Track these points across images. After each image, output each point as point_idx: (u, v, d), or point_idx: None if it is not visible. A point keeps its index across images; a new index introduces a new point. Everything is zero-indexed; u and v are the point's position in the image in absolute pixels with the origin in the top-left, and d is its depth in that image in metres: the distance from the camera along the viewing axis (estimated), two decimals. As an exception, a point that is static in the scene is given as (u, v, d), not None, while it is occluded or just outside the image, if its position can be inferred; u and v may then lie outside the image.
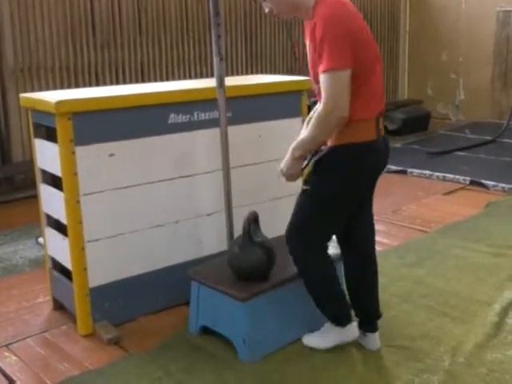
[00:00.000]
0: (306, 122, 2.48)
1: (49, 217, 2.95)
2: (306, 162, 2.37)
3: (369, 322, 2.59)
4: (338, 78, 2.14)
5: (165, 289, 2.96)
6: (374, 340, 2.59)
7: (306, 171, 2.39)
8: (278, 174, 2.39)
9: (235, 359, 2.51)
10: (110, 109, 2.71)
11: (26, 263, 3.70)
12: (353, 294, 2.60)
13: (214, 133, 2.94)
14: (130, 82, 5.70)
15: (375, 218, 4.34)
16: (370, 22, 8.10)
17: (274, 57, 7.04)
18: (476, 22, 7.85)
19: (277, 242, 2.61)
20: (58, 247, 2.90)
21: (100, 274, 2.79)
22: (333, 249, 2.56)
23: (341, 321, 2.52)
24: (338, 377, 2.40)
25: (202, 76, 6.18)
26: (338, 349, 2.58)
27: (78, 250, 2.72)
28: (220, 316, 2.60)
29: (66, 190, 2.67)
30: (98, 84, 5.49)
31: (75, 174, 2.65)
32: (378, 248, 3.75)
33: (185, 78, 6.11)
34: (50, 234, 2.96)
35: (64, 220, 2.74)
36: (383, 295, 3.05)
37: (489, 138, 6.68)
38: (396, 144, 6.83)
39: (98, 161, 2.70)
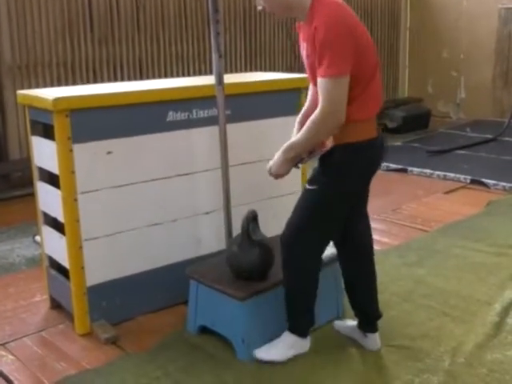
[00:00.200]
0: (296, 123, 2.49)
1: (46, 215, 2.95)
2: (300, 164, 2.38)
3: (368, 323, 2.59)
4: (338, 85, 2.15)
5: (163, 288, 2.96)
6: (375, 340, 2.59)
7: (300, 167, 2.36)
8: (267, 172, 2.40)
9: (234, 359, 2.51)
10: (107, 106, 2.71)
11: (22, 262, 3.70)
12: (352, 294, 2.60)
13: (212, 130, 2.94)
14: (128, 78, 5.69)
15: (375, 216, 4.37)
16: (370, 20, 8.11)
17: (273, 54, 7.03)
18: (477, 19, 7.85)
19: (276, 241, 2.60)
20: (55, 245, 2.90)
21: (97, 273, 2.79)
22: (329, 249, 2.56)
23: (305, 331, 2.51)
24: (338, 377, 2.40)
25: (200, 73, 6.17)
26: (338, 349, 2.59)
27: (76, 249, 2.72)
28: (219, 315, 2.60)
29: (64, 188, 2.67)
30: (95, 81, 5.48)
31: (73, 171, 2.64)
32: (378, 247, 3.77)
33: (183, 75, 6.11)
34: (47, 232, 2.96)
35: (61, 218, 2.74)
36: (383, 295, 3.06)
37: (490, 136, 6.69)
38: (396, 142, 6.84)
39: (95, 158, 2.70)
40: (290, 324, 2.50)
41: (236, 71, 6.54)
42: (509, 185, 4.98)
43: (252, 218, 2.56)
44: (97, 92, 2.82)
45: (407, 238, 3.91)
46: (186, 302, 2.78)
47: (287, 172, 2.36)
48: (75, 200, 2.67)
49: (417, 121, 7.59)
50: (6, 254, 3.82)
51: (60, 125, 2.60)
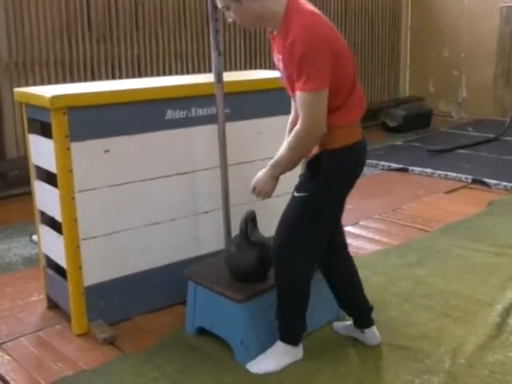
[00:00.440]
0: (286, 132, 2.51)
1: (43, 214, 2.95)
2: None
3: (362, 318, 2.60)
4: (318, 99, 2.17)
5: (161, 288, 2.96)
6: (374, 334, 2.60)
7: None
8: (251, 191, 2.41)
9: (232, 361, 2.51)
10: (105, 104, 2.71)
11: (19, 261, 3.70)
12: (338, 295, 2.62)
13: (211, 129, 2.94)
14: (127, 76, 5.68)
15: (376, 216, 4.38)
16: (371, 18, 8.11)
17: (273, 52, 7.03)
18: (479, 17, 7.85)
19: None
20: (52, 245, 2.90)
21: (95, 273, 2.79)
22: None
23: (298, 339, 2.50)
24: (337, 378, 2.40)
25: (199, 71, 6.17)
26: (337, 350, 2.59)
27: (73, 248, 2.72)
28: (217, 317, 2.60)
29: (61, 187, 2.67)
30: (93, 79, 5.48)
31: (70, 170, 2.64)
32: (378, 247, 3.78)
33: (182, 73, 6.11)
34: (45, 231, 2.96)
35: (59, 217, 2.74)
36: (383, 295, 3.07)
37: (491, 135, 6.69)
38: (397, 141, 6.84)
39: (93, 157, 2.70)
40: (282, 333, 2.49)
41: (235, 69, 6.53)
42: (510, 184, 4.98)
43: (251, 219, 2.55)
44: (95, 90, 2.82)
45: (407, 238, 3.91)
46: (184, 302, 2.78)
47: (274, 189, 2.38)
48: (73, 199, 2.67)
49: (418, 120, 7.59)
50: (2, 253, 3.82)
51: (57, 123, 2.60)
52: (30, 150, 2.94)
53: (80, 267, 2.74)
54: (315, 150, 2.31)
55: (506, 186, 4.98)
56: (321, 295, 2.74)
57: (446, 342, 2.63)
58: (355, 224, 4.23)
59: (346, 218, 4.26)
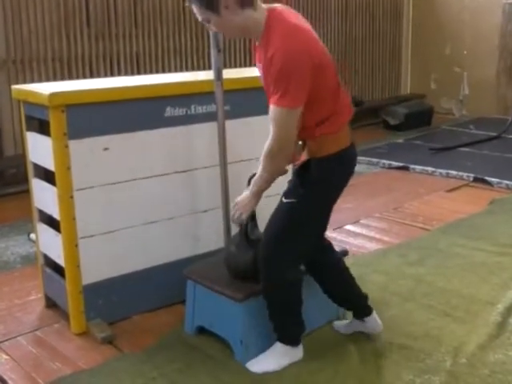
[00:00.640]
0: None
1: (41, 212, 2.95)
2: None
3: (361, 307, 2.62)
4: (290, 116, 2.17)
5: (160, 287, 2.97)
6: (375, 321, 2.61)
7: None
8: (231, 217, 2.44)
9: (232, 360, 2.51)
10: (104, 101, 2.71)
11: (17, 260, 3.70)
12: (336, 293, 2.62)
13: (211, 127, 2.94)
14: (126, 74, 5.68)
15: (376, 215, 4.38)
16: (371, 14, 8.10)
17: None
18: (481, 14, 7.85)
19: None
20: (50, 243, 2.90)
21: (94, 271, 2.79)
22: None
23: (296, 340, 2.50)
24: (337, 377, 2.40)
25: (199, 68, 6.17)
26: (337, 349, 2.59)
27: (71, 247, 2.72)
28: (216, 316, 2.61)
29: (59, 185, 2.67)
30: (92, 76, 5.48)
31: (68, 168, 2.65)
32: (378, 246, 3.78)
33: (181, 70, 6.10)
34: (43, 229, 2.96)
35: (57, 215, 2.74)
36: (384, 294, 3.07)
37: (493, 133, 6.69)
38: (398, 139, 6.84)
39: (92, 155, 2.70)
40: (278, 335, 2.49)
41: (235, 66, 6.53)
42: (512, 183, 4.99)
43: (250, 218, 2.55)
44: (93, 87, 2.83)
45: (408, 237, 3.92)
46: (183, 302, 2.78)
47: (252, 207, 2.40)
48: (71, 197, 2.67)
49: (419, 118, 7.59)
50: (0, 251, 3.82)
51: (56, 120, 2.60)
52: (27, 147, 2.94)
53: (78, 266, 2.74)
54: (304, 157, 2.33)
55: (508, 185, 4.98)
56: (320, 295, 2.74)
57: (446, 342, 2.63)
58: (356, 222, 4.23)
59: (346, 216, 4.32)
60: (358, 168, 6.11)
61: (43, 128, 2.75)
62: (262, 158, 2.28)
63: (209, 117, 2.98)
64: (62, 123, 2.60)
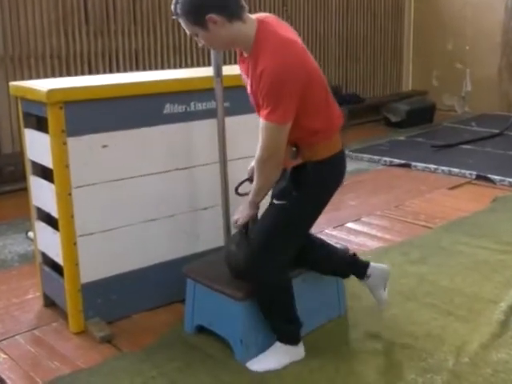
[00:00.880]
0: None
1: (39, 210, 2.95)
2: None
3: (356, 268, 2.70)
4: (280, 131, 2.23)
5: (160, 285, 2.96)
6: (376, 269, 2.70)
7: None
8: (233, 222, 2.52)
9: (232, 359, 2.51)
10: (103, 98, 2.70)
11: (15, 258, 3.70)
12: (326, 268, 2.69)
13: (211, 124, 2.94)
14: (124, 70, 5.67)
15: (378, 213, 4.37)
16: (373, 10, 8.10)
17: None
18: (483, 10, 7.84)
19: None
20: (48, 242, 2.90)
21: (92, 270, 2.79)
22: None
23: (295, 338, 2.50)
24: (338, 376, 2.40)
25: (198, 65, 6.16)
26: (338, 347, 2.59)
27: (70, 245, 2.72)
28: (216, 315, 2.60)
29: (58, 183, 2.67)
30: (90, 73, 5.47)
31: (67, 165, 2.64)
32: (380, 244, 3.78)
33: (181, 66, 6.10)
34: (41, 227, 2.96)
35: (55, 213, 2.74)
36: (385, 293, 3.07)
37: (496, 130, 6.68)
38: (399, 137, 6.84)
39: (90, 152, 2.70)
40: (277, 335, 2.50)
41: (235, 63, 6.51)
42: (515, 180, 4.98)
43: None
44: (92, 84, 2.82)
45: (410, 235, 3.91)
46: (183, 301, 2.78)
47: (249, 216, 2.45)
48: (69, 195, 2.67)
49: (421, 114, 7.58)
50: (-2, 250, 3.83)
51: (54, 117, 2.60)
52: (25, 145, 2.93)
53: (77, 264, 2.74)
54: (297, 161, 2.37)
55: (510, 182, 4.97)
56: (321, 294, 2.74)
57: (449, 341, 2.63)
58: (357, 220, 4.22)
59: (347, 214, 4.32)
60: (359, 165, 6.15)
61: (41, 125, 2.75)
62: (255, 170, 2.36)
63: (208, 114, 2.97)
64: (60, 120, 2.60)
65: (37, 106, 2.69)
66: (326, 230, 3.91)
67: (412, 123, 7.35)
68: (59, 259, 2.79)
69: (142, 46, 5.85)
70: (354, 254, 2.73)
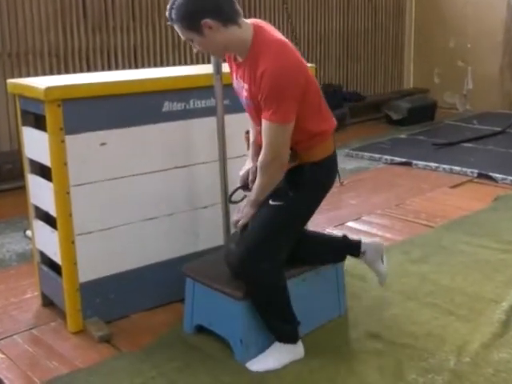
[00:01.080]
0: (251, 153, 2.62)
1: (37, 209, 2.94)
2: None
3: (350, 248, 2.74)
4: (283, 131, 2.27)
5: (159, 285, 2.96)
6: (368, 244, 2.76)
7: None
8: (233, 223, 2.54)
9: (232, 360, 2.51)
10: (101, 96, 2.70)
11: (13, 257, 3.70)
12: (325, 255, 2.73)
13: (210, 121, 2.93)
14: (123, 67, 5.67)
15: (378, 211, 4.37)
16: (374, 7, 8.09)
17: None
18: (485, 8, 7.83)
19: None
20: (46, 240, 2.90)
21: (91, 269, 2.79)
22: None
23: (293, 337, 2.51)
24: (338, 376, 2.40)
25: (198, 62, 6.15)
26: (338, 347, 2.59)
27: (68, 244, 2.72)
28: (216, 315, 2.60)
29: (56, 181, 2.67)
30: (89, 70, 5.47)
31: (65, 163, 2.64)
32: (381, 243, 3.78)
33: (180, 63, 6.09)
34: (39, 226, 2.96)
35: (53, 212, 2.74)
36: (386, 292, 3.07)
37: (498, 128, 6.68)
38: (400, 135, 6.84)
39: (88, 150, 2.70)
40: (276, 335, 2.51)
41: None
42: (517, 179, 4.98)
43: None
44: (90, 81, 2.81)
45: (411, 234, 3.92)
46: (182, 300, 2.78)
47: (249, 216, 2.47)
48: (68, 193, 2.67)
49: (422, 112, 7.58)
50: (-5, 249, 3.83)
51: (52, 115, 2.59)
52: (23, 143, 2.93)
53: (75, 263, 2.74)
54: (294, 163, 2.40)
55: (512, 181, 4.98)
56: (321, 294, 2.74)
57: (450, 341, 2.63)
58: (357, 219, 4.22)
59: (348, 213, 4.32)
60: (360, 164, 6.15)
61: (39, 123, 2.74)
62: (257, 170, 2.37)
63: (208, 111, 2.97)
64: (58, 118, 2.60)
65: (35, 103, 2.69)
66: (327, 229, 3.91)
67: (413, 121, 7.35)
68: (57, 258, 2.79)
69: (140, 42, 5.84)
70: (345, 236, 2.76)
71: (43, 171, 2.81)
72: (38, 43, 5.20)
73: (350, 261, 2.85)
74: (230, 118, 2.91)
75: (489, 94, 7.90)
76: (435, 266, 3.40)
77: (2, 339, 2.75)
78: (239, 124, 3.07)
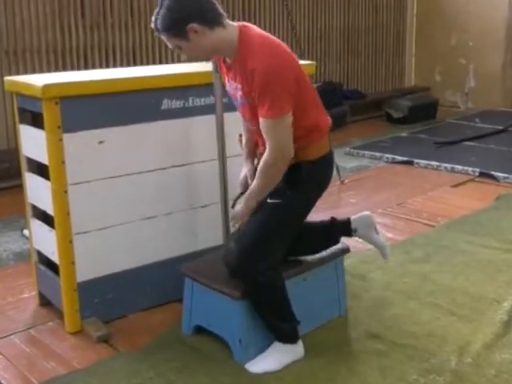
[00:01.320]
0: (244, 151, 2.66)
1: (34, 208, 2.94)
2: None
3: (342, 230, 2.75)
4: (282, 124, 2.28)
5: (157, 284, 2.96)
6: (358, 220, 2.75)
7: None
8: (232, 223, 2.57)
9: (231, 360, 2.51)
10: (99, 93, 2.70)
11: (10, 256, 3.70)
12: (319, 243, 2.73)
13: (209, 120, 2.93)
14: (121, 65, 5.67)
15: (379, 210, 4.37)
16: (375, 4, 8.08)
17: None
18: (487, 6, 7.83)
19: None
20: (44, 240, 2.90)
21: (89, 268, 2.78)
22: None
23: (293, 337, 2.51)
24: (339, 377, 2.40)
25: (197, 60, 6.15)
26: (338, 348, 2.59)
27: (66, 243, 2.71)
28: (215, 315, 2.60)
29: (53, 180, 2.67)
30: (86, 67, 5.46)
31: (63, 162, 2.64)
32: (381, 242, 3.77)
33: (179, 61, 6.07)
34: (36, 225, 2.96)
35: (51, 211, 2.74)
36: (387, 292, 3.07)
37: (500, 127, 6.68)
38: (402, 133, 6.84)
39: (86, 148, 2.69)
40: (275, 335, 2.51)
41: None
42: (519, 178, 4.98)
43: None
44: (88, 79, 2.81)
45: (413, 234, 3.92)
46: (180, 300, 2.78)
47: (248, 215, 2.48)
48: (65, 192, 2.67)
49: (424, 111, 7.58)
50: (-8, 248, 3.83)
51: (49, 113, 2.59)
52: (20, 141, 2.93)
53: (73, 263, 2.74)
54: (291, 161, 2.40)
55: (514, 180, 4.98)
56: (321, 294, 2.74)
57: (452, 341, 2.63)
58: (358, 218, 4.22)
59: (349, 212, 4.30)
60: (360, 162, 6.15)
61: (36, 121, 2.74)
62: (259, 169, 2.38)
63: (207, 109, 2.97)
64: (55, 116, 2.59)
65: (32, 101, 2.69)
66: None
67: (414, 119, 7.36)
68: (55, 258, 2.79)
69: (139, 39, 5.84)
70: (333, 218, 2.77)
71: (41, 170, 2.81)
72: (35, 41, 5.20)
73: (350, 261, 2.86)
74: (229, 116, 2.91)
75: (491, 92, 7.90)
76: (437, 265, 3.40)
77: (-1, 339, 2.76)
78: (238, 122, 3.06)
